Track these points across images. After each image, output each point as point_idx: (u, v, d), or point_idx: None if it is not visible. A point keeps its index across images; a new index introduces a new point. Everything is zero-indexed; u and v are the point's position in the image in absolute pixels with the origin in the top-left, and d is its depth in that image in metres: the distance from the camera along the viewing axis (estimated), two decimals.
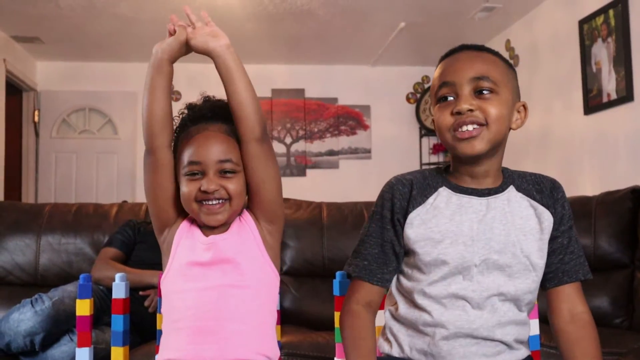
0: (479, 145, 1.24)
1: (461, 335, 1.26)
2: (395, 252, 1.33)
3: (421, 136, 6.36)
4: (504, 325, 1.27)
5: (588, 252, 2.56)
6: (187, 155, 1.29)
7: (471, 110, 1.23)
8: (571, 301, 1.31)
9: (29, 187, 5.91)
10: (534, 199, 1.32)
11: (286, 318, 2.54)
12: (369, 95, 6.39)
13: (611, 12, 3.75)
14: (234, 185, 1.28)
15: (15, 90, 5.81)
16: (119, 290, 1.53)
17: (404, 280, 1.34)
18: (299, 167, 6.28)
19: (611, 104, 3.78)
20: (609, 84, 3.80)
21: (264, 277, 1.32)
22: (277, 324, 1.40)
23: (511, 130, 1.31)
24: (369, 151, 6.38)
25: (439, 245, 1.27)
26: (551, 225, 1.31)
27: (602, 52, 3.87)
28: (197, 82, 5.90)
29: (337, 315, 1.52)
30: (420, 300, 1.29)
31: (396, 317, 1.35)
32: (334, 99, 6.37)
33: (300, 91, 6.33)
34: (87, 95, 6.06)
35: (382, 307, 1.40)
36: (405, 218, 1.32)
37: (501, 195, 1.31)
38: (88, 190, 5.92)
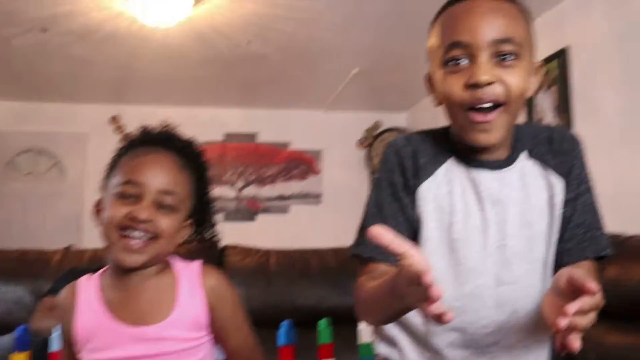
0: (496, 135, 1.03)
1: (471, 340, 1.08)
2: (412, 225, 1.11)
3: (372, 181, 6.39)
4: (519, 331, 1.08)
5: None
6: (125, 173, 1.12)
7: (491, 82, 1.00)
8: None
9: None
10: (548, 165, 1.10)
11: None
12: (321, 140, 6.45)
13: (553, 63, 3.90)
14: (168, 222, 1.10)
15: None
16: (56, 343, 1.49)
17: None
18: (249, 212, 6.24)
19: None
20: None
21: (202, 349, 1.16)
22: None
23: None
24: (319, 196, 6.40)
25: (451, 228, 1.08)
26: (562, 197, 1.10)
27: (545, 101, 4.01)
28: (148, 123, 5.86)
29: None
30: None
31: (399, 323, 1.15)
32: (287, 143, 6.40)
33: (253, 135, 6.35)
34: (36, 137, 5.94)
35: None
36: (415, 188, 1.11)
37: (513, 167, 1.10)
38: (32, 234, 5.74)
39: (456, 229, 1.08)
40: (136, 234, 1.08)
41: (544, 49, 4.00)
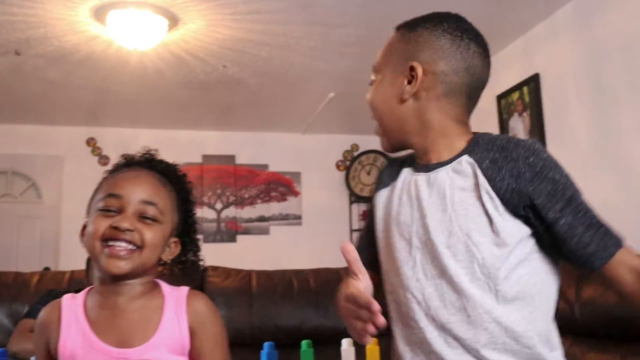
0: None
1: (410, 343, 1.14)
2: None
3: (351, 202, 6.46)
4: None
5: None
6: (107, 189, 1.13)
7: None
8: (625, 265, 1.07)
9: None
10: (481, 168, 1.11)
11: None
12: (299, 162, 6.48)
13: (525, 89, 4.00)
14: (152, 234, 1.11)
15: None
16: None
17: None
18: (229, 232, 6.24)
19: None
20: None
21: None
22: None
23: None
24: (299, 217, 6.43)
25: (389, 227, 1.19)
26: (496, 199, 1.08)
27: (519, 125, 4.10)
28: (126, 146, 5.85)
29: None
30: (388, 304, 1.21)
31: None
32: (265, 165, 6.43)
33: (231, 157, 6.36)
34: (11, 159, 5.88)
35: None
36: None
37: (446, 167, 1.15)
38: (7, 257, 5.65)
39: (392, 224, 1.18)
40: (120, 243, 1.09)
41: (516, 75, 4.11)
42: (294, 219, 6.42)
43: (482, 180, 1.09)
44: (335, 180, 6.52)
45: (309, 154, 6.50)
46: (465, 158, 1.13)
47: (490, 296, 1.08)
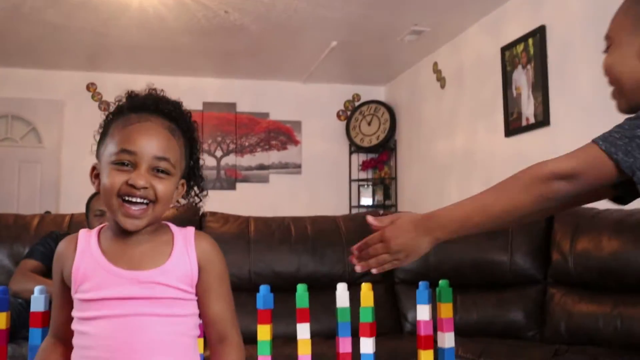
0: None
1: None
2: None
3: (351, 152, 6.46)
4: None
5: (504, 269, 2.68)
6: (120, 142, 1.15)
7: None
8: None
9: None
10: None
11: None
12: (300, 111, 6.46)
13: (530, 40, 3.95)
14: (164, 187, 1.16)
15: None
16: (38, 304, 1.50)
17: None
18: (229, 180, 6.27)
19: (529, 127, 3.97)
20: (528, 109, 3.99)
21: (190, 305, 1.20)
22: (200, 336, 1.40)
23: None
24: (299, 166, 6.44)
25: None
26: None
27: (522, 78, 4.07)
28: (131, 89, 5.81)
29: (260, 328, 1.55)
30: None
31: None
32: (266, 113, 6.40)
33: (232, 105, 6.33)
34: (10, 103, 5.86)
35: None
36: None
37: None
38: (9, 200, 5.70)
39: None
40: (135, 199, 1.14)
41: (521, 27, 4.05)
42: (294, 167, 6.43)
43: None
44: (335, 129, 6.51)
45: (310, 103, 6.47)
46: None
47: None
